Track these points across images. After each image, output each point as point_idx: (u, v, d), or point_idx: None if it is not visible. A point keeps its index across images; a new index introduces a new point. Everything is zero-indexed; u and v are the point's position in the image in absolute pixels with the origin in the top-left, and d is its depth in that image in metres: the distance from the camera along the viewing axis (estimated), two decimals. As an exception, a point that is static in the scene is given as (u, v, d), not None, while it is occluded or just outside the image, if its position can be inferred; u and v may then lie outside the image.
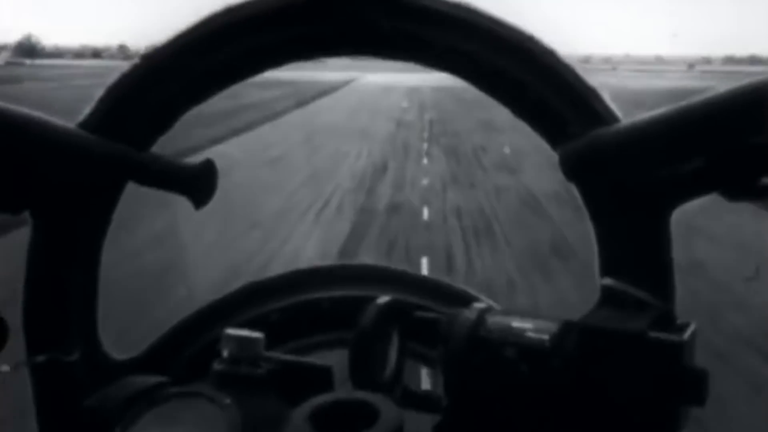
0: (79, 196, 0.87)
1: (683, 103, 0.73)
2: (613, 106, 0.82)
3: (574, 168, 0.82)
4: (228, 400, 0.70)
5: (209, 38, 0.86)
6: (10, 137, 0.78)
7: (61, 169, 0.85)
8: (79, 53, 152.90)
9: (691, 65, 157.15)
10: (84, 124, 0.86)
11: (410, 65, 0.90)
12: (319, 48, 0.88)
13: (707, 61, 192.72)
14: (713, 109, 0.72)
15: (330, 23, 0.85)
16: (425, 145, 25.12)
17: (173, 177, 0.89)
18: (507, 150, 23.08)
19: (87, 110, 0.87)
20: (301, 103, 39.19)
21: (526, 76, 0.84)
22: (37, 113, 0.81)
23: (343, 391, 0.72)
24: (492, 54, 0.84)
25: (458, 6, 0.84)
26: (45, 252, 0.88)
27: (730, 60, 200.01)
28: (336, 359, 0.84)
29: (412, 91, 54.71)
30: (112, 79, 0.87)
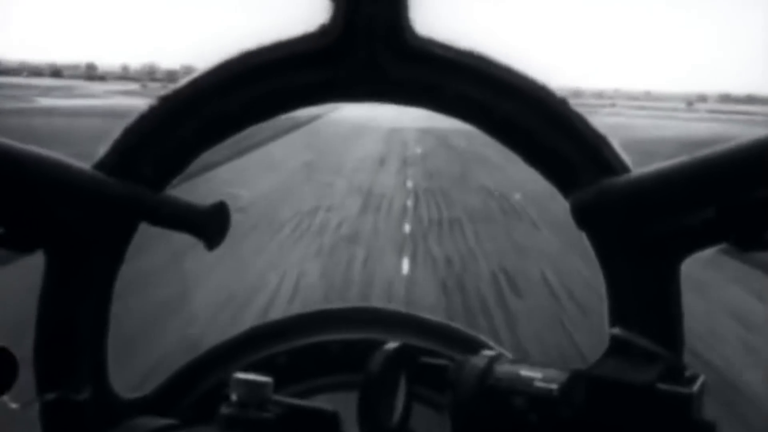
0: (92, 236, 0.87)
1: (694, 154, 0.73)
2: (624, 156, 0.82)
3: (584, 217, 0.82)
4: None
5: (225, 82, 0.87)
6: (26, 177, 0.79)
7: (75, 209, 0.85)
8: (36, 71, 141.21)
9: (690, 102, 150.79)
10: (100, 165, 0.88)
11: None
12: (333, 93, 0.88)
13: (702, 98, 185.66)
14: (724, 161, 0.71)
15: (343, 69, 0.86)
16: (405, 265, 13.97)
17: (186, 218, 0.90)
18: (553, 280, 12.34)
19: (103, 151, 0.88)
20: (237, 152, 28.05)
21: (538, 125, 0.84)
22: (53, 153, 0.81)
23: None
24: (504, 102, 0.84)
25: (471, 54, 0.85)
26: (57, 291, 0.87)
27: (726, 98, 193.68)
28: (343, 401, 0.82)
29: (393, 134, 43.77)
30: (128, 120, 0.88)
